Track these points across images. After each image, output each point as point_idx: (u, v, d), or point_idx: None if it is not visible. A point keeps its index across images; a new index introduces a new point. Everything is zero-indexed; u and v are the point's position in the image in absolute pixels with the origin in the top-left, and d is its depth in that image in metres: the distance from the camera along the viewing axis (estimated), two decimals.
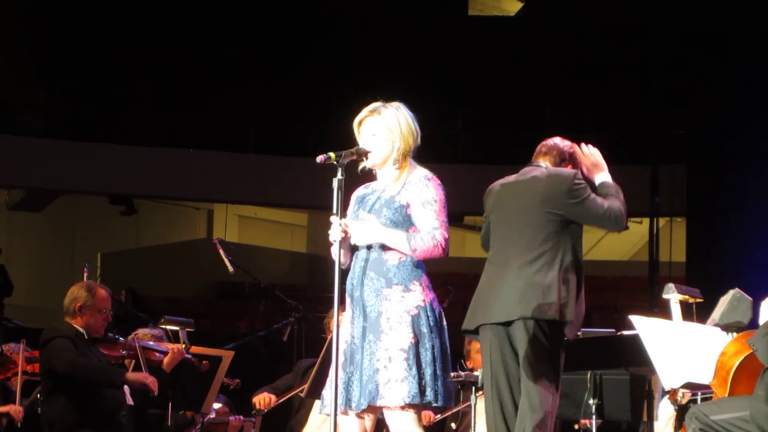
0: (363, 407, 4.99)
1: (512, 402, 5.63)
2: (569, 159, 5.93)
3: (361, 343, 5.04)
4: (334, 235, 4.99)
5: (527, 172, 5.88)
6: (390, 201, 5.10)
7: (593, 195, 5.73)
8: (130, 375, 7.16)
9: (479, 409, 7.32)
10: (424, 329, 5.01)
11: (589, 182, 5.83)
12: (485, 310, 5.67)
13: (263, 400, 7.95)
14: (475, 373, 7.16)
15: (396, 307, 5.01)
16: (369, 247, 5.09)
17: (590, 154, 5.92)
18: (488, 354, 5.68)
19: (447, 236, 5.07)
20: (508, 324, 5.61)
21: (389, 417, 5.00)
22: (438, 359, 5.02)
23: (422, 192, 5.09)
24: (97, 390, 7.14)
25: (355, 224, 5.06)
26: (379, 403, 4.96)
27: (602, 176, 5.88)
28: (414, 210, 5.08)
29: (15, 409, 7.66)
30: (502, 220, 5.80)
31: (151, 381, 7.13)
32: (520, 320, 5.54)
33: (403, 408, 4.95)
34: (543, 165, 5.89)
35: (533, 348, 5.53)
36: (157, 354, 7.42)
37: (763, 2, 12.59)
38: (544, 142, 5.99)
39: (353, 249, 5.14)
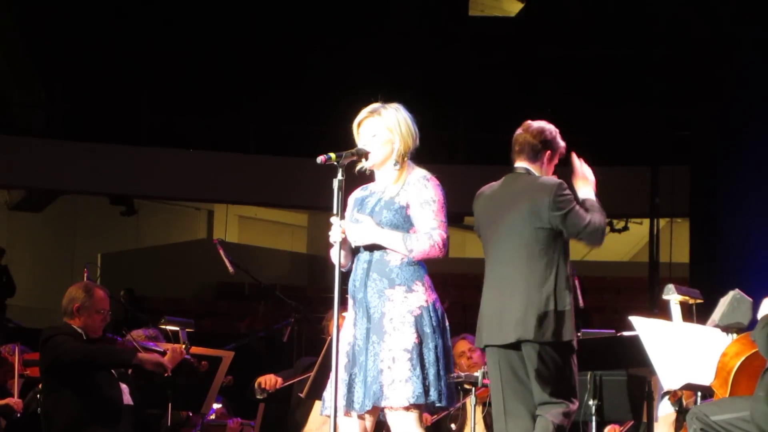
0: (367, 408, 4.99)
1: (524, 421, 5.61)
2: (544, 146, 5.78)
3: (365, 345, 5.04)
4: (335, 236, 4.98)
5: (510, 182, 5.79)
6: (390, 202, 5.10)
7: (577, 207, 5.66)
8: (143, 355, 7.15)
9: (478, 410, 7.32)
10: (427, 329, 5.01)
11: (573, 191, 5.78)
12: (489, 331, 5.65)
13: (270, 380, 7.80)
14: (475, 374, 7.15)
15: (399, 307, 5.01)
16: (371, 249, 5.09)
17: (580, 167, 5.86)
18: (497, 374, 5.67)
19: (445, 236, 5.07)
20: (513, 345, 5.61)
21: (391, 417, 5.00)
22: (441, 359, 5.03)
23: (421, 192, 5.09)
24: (97, 387, 7.13)
25: (351, 226, 5.06)
26: (383, 404, 4.96)
27: (587, 192, 5.79)
28: (413, 210, 5.09)
29: (14, 401, 7.66)
30: (492, 238, 5.75)
31: (164, 360, 7.12)
32: (524, 342, 5.54)
33: (406, 408, 4.95)
34: (521, 167, 5.80)
35: (543, 367, 5.53)
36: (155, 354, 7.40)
37: (766, 3, 12.58)
38: (514, 139, 5.84)
39: (354, 251, 5.13)
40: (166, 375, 7.22)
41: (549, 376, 5.53)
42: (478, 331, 5.73)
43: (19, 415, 7.65)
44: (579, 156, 5.92)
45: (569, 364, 5.62)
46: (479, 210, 5.86)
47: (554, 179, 5.73)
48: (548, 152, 5.81)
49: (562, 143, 5.86)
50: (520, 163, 5.82)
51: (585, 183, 5.83)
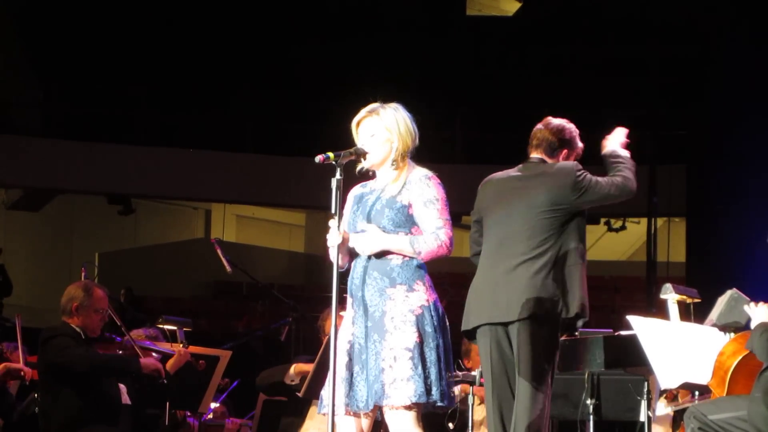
0: (370, 407, 4.99)
1: (512, 402, 5.62)
2: (561, 145, 5.83)
3: (366, 343, 5.03)
4: (333, 240, 4.97)
5: (525, 168, 5.81)
6: (391, 201, 5.10)
7: (595, 179, 5.68)
8: (144, 360, 7.15)
9: (477, 409, 7.32)
10: (429, 329, 5.00)
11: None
12: (482, 309, 5.65)
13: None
14: (473, 372, 7.15)
15: (400, 306, 5.01)
16: None
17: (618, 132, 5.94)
18: (488, 354, 5.67)
19: (451, 234, 5.07)
20: (506, 323, 5.60)
21: (390, 416, 4.98)
22: (442, 359, 5.01)
23: (424, 191, 5.08)
24: (96, 386, 7.12)
25: (358, 238, 5.05)
26: (384, 403, 4.94)
27: (614, 146, 5.90)
28: (416, 210, 5.08)
29: (27, 370, 7.68)
30: (499, 217, 5.75)
31: (161, 366, 7.16)
32: (518, 321, 5.54)
33: (407, 407, 4.95)
34: (537, 158, 5.82)
35: (531, 349, 5.52)
36: (153, 354, 7.40)
37: (763, 2, 12.59)
38: (533, 133, 5.89)
39: (351, 252, 5.13)
40: (161, 381, 7.22)
41: (535, 356, 5.51)
42: (468, 313, 5.71)
43: (28, 383, 7.66)
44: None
45: (556, 348, 5.61)
46: (488, 192, 5.86)
47: (570, 162, 5.77)
48: (565, 151, 5.84)
49: (580, 144, 5.89)
50: (536, 155, 5.84)
51: (614, 141, 5.92)
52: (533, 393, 5.52)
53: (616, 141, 5.92)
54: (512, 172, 5.86)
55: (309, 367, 7.59)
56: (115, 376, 7.21)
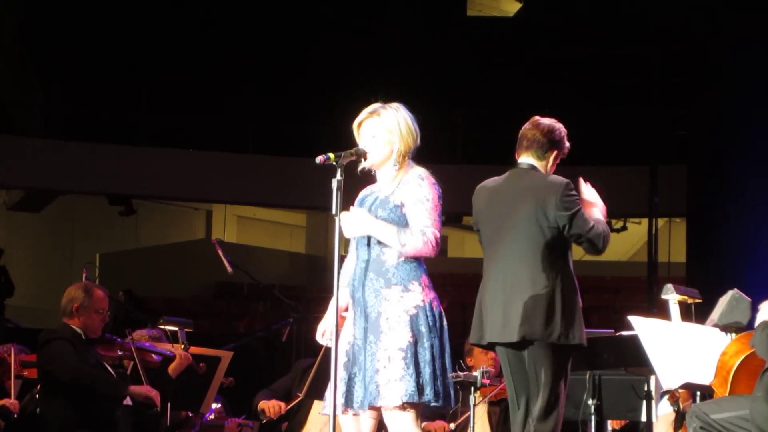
0: (365, 408, 4.99)
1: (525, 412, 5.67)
2: (552, 146, 5.75)
3: (363, 344, 5.04)
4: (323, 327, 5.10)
5: (515, 178, 5.77)
6: (384, 201, 5.11)
7: (583, 210, 5.64)
8: (134, 388, 7.12)
9: (477, 410, 7.32)
10: (423, 329, 5.00)
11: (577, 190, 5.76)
12: (494, 329, 5.64)
13: (273, 408, 7.76)
14: (474, 373, 7.16)
15: (395, 307, 5.01)
16: (369, 248, 5.09)
17: (587, 191, 5.81)
18: (508, 370, 5.71)
19: (438, 235, 5.05)
20: (518, 343, 5.62)
21: (388, 417, 5.00)
22: (437, 358, 5.01)
23: (415, 190, 5.08)
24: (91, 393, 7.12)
25: (345, 216, 5.05)
26: (379, 404, 4.96)
27: (598, 216, 5.74)
28: (407, 209, 5.08)
29: (11, 402, 7.65)
30: (495, 233, 5.73)
31: (155, 394, 7.09)
32: (529, 342, 5.55)
33: (401, 407, 4.95)
34: (526, 162, 5.77)
35: (542, 367, 5.55)
36: (153, 356, 7.39)
37: (763, 2, 12.59)
38: (522, 134, 5.81)
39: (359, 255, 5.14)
40: (155, 410, 7.21)
41: (547, 372, 5.54)
42: (479, 327, 5.71)
43: (15, 415, 7.64)
44: (585, 182, 5.88)
45: (567, 363, 5.64)
46: (481, 203, 5.83)
47: (561, 179, 5.69)
48: (555, 152, 5.78)
49: (567, 144, 5.83)
50: (526, 159, 5.78)
51: (593, 207, 5.79)
52: (548, 408, 5.54)
53: (595, 208, 5.79)
54: (501, 180, 5.81)
55: (265, 404, 7.67)
56: (99, 396, 7.14)
